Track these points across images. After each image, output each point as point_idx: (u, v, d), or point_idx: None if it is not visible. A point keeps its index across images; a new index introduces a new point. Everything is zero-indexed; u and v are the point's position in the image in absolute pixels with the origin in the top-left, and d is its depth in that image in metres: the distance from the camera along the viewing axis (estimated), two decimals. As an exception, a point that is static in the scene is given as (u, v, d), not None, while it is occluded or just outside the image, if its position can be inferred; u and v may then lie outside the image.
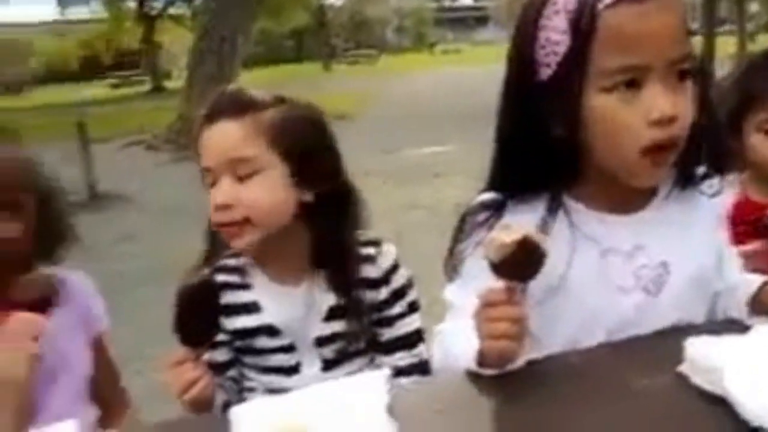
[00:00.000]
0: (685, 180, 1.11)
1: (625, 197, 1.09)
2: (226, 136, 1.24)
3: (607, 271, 1.08)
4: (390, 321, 1.35)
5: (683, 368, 0.92)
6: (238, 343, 1.34)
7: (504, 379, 0.97)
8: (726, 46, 19.18)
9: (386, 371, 0.99)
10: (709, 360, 0.89)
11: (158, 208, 7.50)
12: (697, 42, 19.39)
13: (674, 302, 1.09)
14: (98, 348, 1.38)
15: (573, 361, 1.04)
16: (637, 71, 0.97)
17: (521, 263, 0.92)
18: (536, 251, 0.92)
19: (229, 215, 1.22)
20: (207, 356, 1.23)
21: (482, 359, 0.98)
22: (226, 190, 1.22)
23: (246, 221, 1.22)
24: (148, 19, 32.72)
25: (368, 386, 0.95)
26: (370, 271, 1.33)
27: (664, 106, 0.97)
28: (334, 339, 1.32)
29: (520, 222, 1.00)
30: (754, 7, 26.27)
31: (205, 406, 1.17)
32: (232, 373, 1.36)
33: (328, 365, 1.33)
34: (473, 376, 0.99)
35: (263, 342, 1.32)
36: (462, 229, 1.16)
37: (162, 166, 10.40)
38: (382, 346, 1.36)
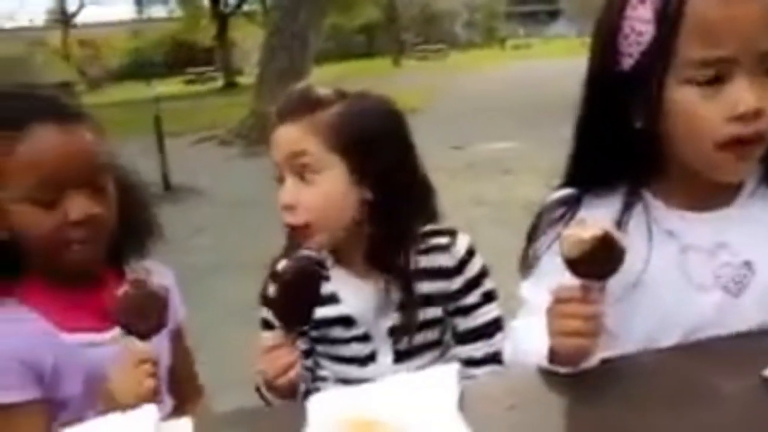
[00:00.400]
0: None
1: (708, 193, 1.06)
2: (288, 137, 1.27)
3: (686, 268, 1.06)
4: (466, 311, 1.35)
5: None
6: (315, 333, 1.36)
7: (577, 377, 0.96)
8: None
9: (457, 365, 0.99)
10: None
11: (229, 202, 7.67)
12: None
13: (757, 303, 1.05)
14: (177, 339, 1.41)
15: (648, 361, 1.01)
16: (723, 64, 0.95)
17: (599, 260, 0.90)
18: (615, 248, 0.90)
19: (293, 217, 1.26)
20: None
21: (554, 356, 0.96)
22: (289, 190, 1.26)
23: (307, 225, 1.25)
24: (221, 17, 33.42)
25: (439, 381, 0.95)
26: (443, 261, 1.33)
27: (749, 100, 0.94)
28: (406, 330, 1.32)
29: (596, 217, 0.99)
30: None
31: (293, 393, 1.18)
32: (308, 362, 1.39)
33: (401, 356, 1.34)
34: (546, 373, 0.98)
35: (339, 332, 1.34)
36: (537, 226, 1.15)
37: (233, 161, 10.63)
38: (458, 336, 1.36)
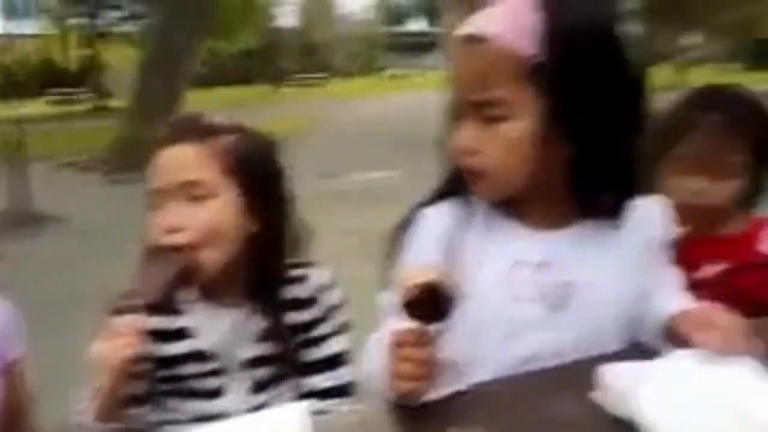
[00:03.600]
0: (588, 209, 1.12)
1: (542, 213, 1.12)
2: (182, 159, 1.24)
3: (512, 280, 1.11)
4: (316, 341, 1.35)
5: (597, 395, 0.93)
6: (164, 373, 1.30)
7: (425, 409, 0.97)
8: (662, 77, 19.79)
9: (306, 403, 0.98)
10: (621, 386, 0.90)
11: (90, 230, 7.34)
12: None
13: (578, 321, 1.11)
14: (10, 375, 1.33)
15: (491, 390, 1.04)
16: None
17: (428, 306, 0.91)
18: (445, 295, 0.91)
19: (177, 239, 1.22)
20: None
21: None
22: (176, 212, 1.22)
23: (191, 247, 1.22)
24: (93, 36, 32.21)
25: (288, 419, 0.94)
26: (298, 292, 1.34)
27: (460, 139, 1.06)
28: (262, 362, 1.31)
29: (438, 225, 1.11)
30: (687, 40, 27.25)
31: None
32: (147, 407, 1.31)
33: (255, 389, 1.32)
34: (396, 406, 0.98)
35: (192, 367, 1.29)
36: (394, 241, 1.19)
37: (95, 187, 10.17)
38: (307, 367, 1.35)
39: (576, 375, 1.03)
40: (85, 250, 6.58)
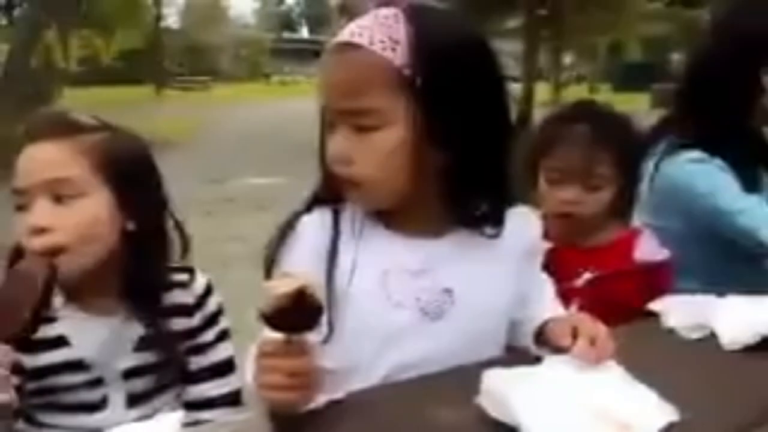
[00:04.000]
0: (464, 218, 1.14)
1: (419, 221, 1.13)
2: (45, 157, 1.18)
3: (387, 286, 1.11)
4: (202, 348, 1.32)
5: (480, 400, 0.94)
6: (33, 385, 1.21)
7: (307, 418, 0.95)
8: (542, 93, 20.67)
9: (180, 413, 0.94)
10: (501, 391, 0.92)
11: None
12: (517, 89, 20.78)
13: (457, 328, 1.12)
14: None
15: (373, 398, 1.04)
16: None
17: (292, 316, 0.88)
18: (309, 304, 0.89)
19: (46, 240, 1.15)
20: None
21: None
22: (43, 212, 1.15)
23: (61, 249, 1.15)
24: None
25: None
26: (182, 297, 1.30)
27: (333, 148, 1.07)
28: (142, 371, 1.26)
29: (311, 234, 1.11)
30: (567, 59, 28.67)
31: None
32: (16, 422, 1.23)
33: (134, 401, 1.26)
34: (272, 418, 0.96)
35: (67, 378, 1.22)
36: (275, 246, 1.16)
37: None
38: (192, 375, 1.31)
39: (457, 381, 1.04)
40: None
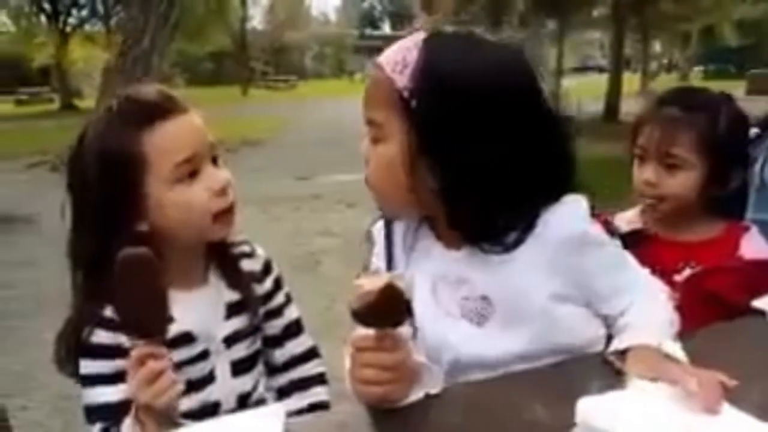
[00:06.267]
0: (473, 236, 1.13)
1: (450, 233, 1.15)
2: (195, 124, 1.24)
3: (437, 296, 1.16)
4: (278, 311, 1.40)
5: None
6: None
7: (405, 411, 0.97)
8: (632, 84, 20.08)
9: (282, 406, 0.98)
10: (603, 422, 0.87)
11: (61, 232, 7.17)
12: (605, 80, 20.26)
13: (501, 332, 1.12)
14: None
15: (469, 392, 1.04)
16: None
17: (383, 312, 0.90)
18: (398, 299, 0.90)
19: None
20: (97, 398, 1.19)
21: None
22: (227, 175, 1.24)
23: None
24: (60, 35, 31.74)
25: (264, 424, 0.94)
26: (251, 265, 1.37)
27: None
28: (239, 337, 1.31)
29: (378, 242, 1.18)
30: (657, 47, 27.72)
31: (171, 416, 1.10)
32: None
33: (237, 370, 1.31)
34: (371, 409, 0.98)
35: (177, 354, 1.22)
36: (367, 237, 1.25)
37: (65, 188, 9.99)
38: (273, 339, 1.39)
39: (554, 379, 1.04)
40: (51, 252, 6.49)
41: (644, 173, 1.52)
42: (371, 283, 0.89)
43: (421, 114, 1.05)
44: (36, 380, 3.55)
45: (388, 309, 0.90)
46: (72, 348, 1.22)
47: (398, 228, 1.21)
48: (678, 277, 1.46)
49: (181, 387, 1.08)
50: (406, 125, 1.06)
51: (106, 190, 1.18)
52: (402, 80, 1.06)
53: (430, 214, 1.15)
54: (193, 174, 1.20)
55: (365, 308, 0.89)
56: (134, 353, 1.05)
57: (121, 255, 1.05)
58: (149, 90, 1.25)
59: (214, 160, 1.24)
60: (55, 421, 3.14)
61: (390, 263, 1.20)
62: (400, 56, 1.08)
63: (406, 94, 1.06)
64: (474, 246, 1.13)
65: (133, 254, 1.04)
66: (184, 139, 1.20)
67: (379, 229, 1.24)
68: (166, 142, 1.19)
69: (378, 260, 1.22)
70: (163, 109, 1.20)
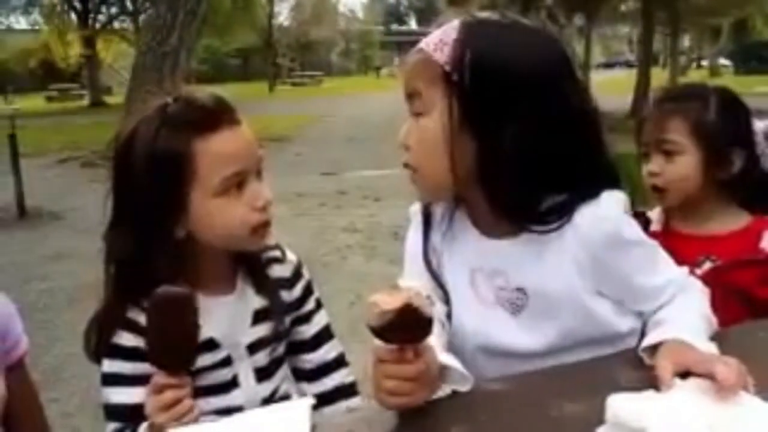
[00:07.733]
0: (516, 217, 1.13)
1: (494, 223, 1.15)
2: (247, 138, 1.22)
3: (475, 285, 1.18)
4: (308, 317, 1.38)
5: (605, 429, 0.89)
6: None
7: (430, 409, 0.97)
8: (660, 79, 19.86)
9: (310, 399, 0.98)
10: (632, 420, 0.87)
11: (91, 227, 7.26)
12: (633, 75, 20.01)
13: (536, 322, 1.14)
14: (14, 372, 1.32)
15: (497, 389, 1.04)
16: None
17: (402, 330, 0.89)
18: (417, 318, 0.89)
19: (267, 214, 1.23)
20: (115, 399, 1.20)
21: None
22: (269, 195, 1.23)
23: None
24: (90, 33, 32.14)
25: (291, 416, 0.94)
26: (281, 272, 1.35)
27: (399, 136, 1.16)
28: (263, 344, 1.30)
29: (411, 240, 1.22)
30: (686, 42, 27.37)
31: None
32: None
33: (261, 376, 1.30)
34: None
35: (204, 359, 1.24)
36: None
37: (97, 183, 10.11)
38: (303, 344, 1.38)
39: (581, 376, 1.03)
40: (82, 246, 6.60)
41: (648, 165, 1.55)
42: (389, 302, 0.88)
43: (462, 86, 1.07)
44: (67, 372, 3.61)
45: (407, 328, 0.89)
46: (97, 344, 1.23)
47: (436, 211, 1.23)
48: (698, 271, 1.44)
49: (197, 413, 1.11)
50: (447, 98, 1.08)
51: (151, 192, 1.17)
52: (442, 57, 1.09)
53: (468, 197, 1.16)
54: (238, 185, 1.20)
55: (383, 327, 0.88)
56: (154, 380, 1.09)
57: (160, 291, 1.06)
58: (204, 95, 1.23)
59: (259, 172, 1.24)
60: (86, 414, 3.19)
61: (426, 246, 1.21)
62: (439, 37, 1.11)
63: (447, 68, 1.08)
64: (513, 229, 1.13)
65: (173, 293, 1.07)
66: (235, 154, 1.19)
67: (415, 212, 1.25)
68: (218, 154, 1.17)
69: (412, 245, 1.24)
70: (219, 119, 1.19)
